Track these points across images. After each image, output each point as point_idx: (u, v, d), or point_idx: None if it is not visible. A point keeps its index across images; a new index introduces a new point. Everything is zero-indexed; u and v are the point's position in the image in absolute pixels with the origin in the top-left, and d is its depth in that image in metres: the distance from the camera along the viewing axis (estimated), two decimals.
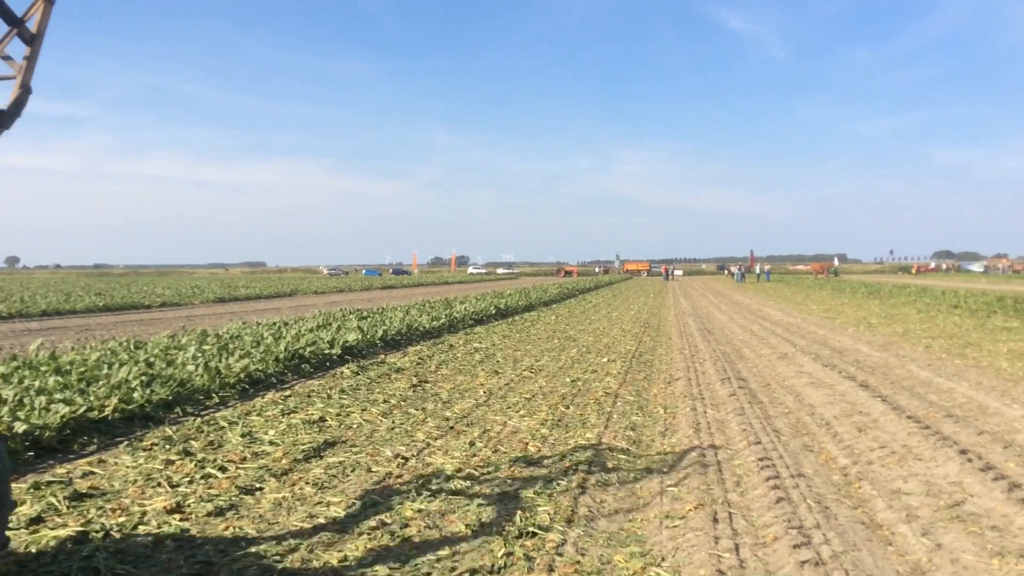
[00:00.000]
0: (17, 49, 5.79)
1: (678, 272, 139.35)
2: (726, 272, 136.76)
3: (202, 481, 7.76)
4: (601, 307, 39.04)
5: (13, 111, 5.69)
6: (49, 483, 7.55)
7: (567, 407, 11.95)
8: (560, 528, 6.55)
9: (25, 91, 5.75)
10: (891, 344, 20.25)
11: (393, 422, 10.71)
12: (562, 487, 7.71)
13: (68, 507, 6.87)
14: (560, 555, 6.00)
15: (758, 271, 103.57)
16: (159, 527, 6.38)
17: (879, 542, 6.42)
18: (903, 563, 5.98)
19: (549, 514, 6.87)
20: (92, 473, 7.99)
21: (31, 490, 7.31)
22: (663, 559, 5.99)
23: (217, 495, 7.29)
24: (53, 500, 7.01)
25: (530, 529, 6.46)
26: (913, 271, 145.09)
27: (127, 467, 8.19)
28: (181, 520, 6.58)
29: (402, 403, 12.11)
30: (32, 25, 5.85)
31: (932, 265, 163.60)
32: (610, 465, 8.60)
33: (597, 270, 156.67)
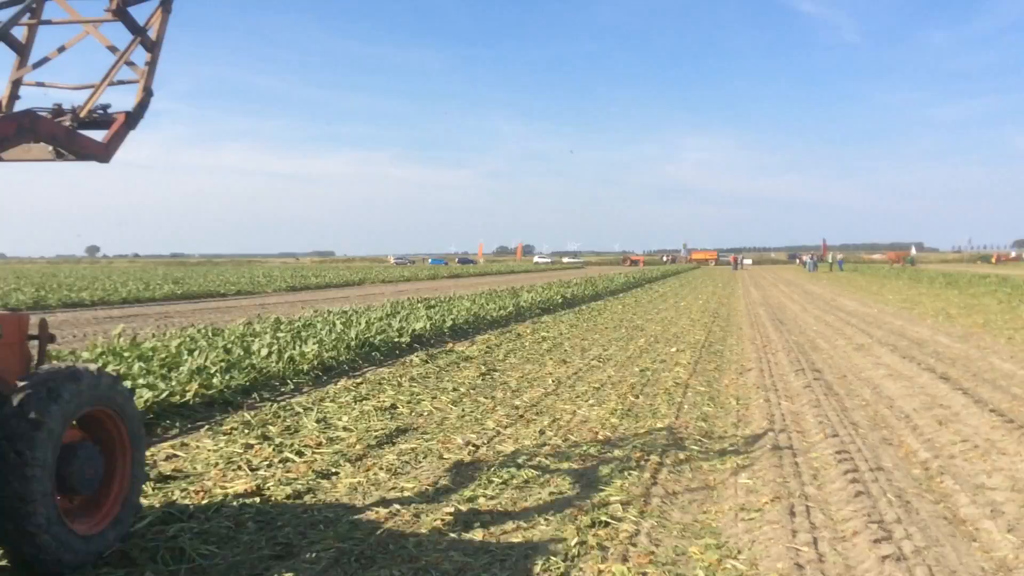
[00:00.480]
0: (136, 55, 6.31)
1: (747, 261, 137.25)
2: (797, 261, 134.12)
3: (280, 465, 7.94)
4: (668, 296, 38.71)
5: (138, 112, 6.27)
6: None
7: (636, 397, 11.88)
8: (633, 518, 6.52)
9: (148, 93, 6.33)
10: (971, 335, 19.64)
11: (463, 410, 10.79)
12: (634, 477, 7.67)
13: (153, 488, 7.09)
14: (634, 545, 5.98)
15: (830, 260, 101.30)
16: (240, 509, 6.55)
17: (963, 538, 6.24)
18: (988, 560, 5.81)
19: (622, 504, 6.84)
20: (175, 456, 8.23)
21: None
22: (739, 552, 5.92)
23: (295, 479, 7.45)
24: None
25: (603, 519, 6.45)
26: (993, 260, 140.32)
27: (208, 450, 8.42)
28: (261, 502, 6.74)
29: (471, 391, 12.19)
30: (152, 33, 6.37)
31: (1013, 254, 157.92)
32: (682, 456, 8.53)
33: (664, 259, 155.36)
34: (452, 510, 6.61)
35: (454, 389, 12.29)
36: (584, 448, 8.77)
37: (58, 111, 6.00)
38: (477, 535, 6.07)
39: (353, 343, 15.25)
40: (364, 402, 11.09)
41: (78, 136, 5.99)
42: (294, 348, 14.13)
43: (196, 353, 12.88)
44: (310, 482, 7.36)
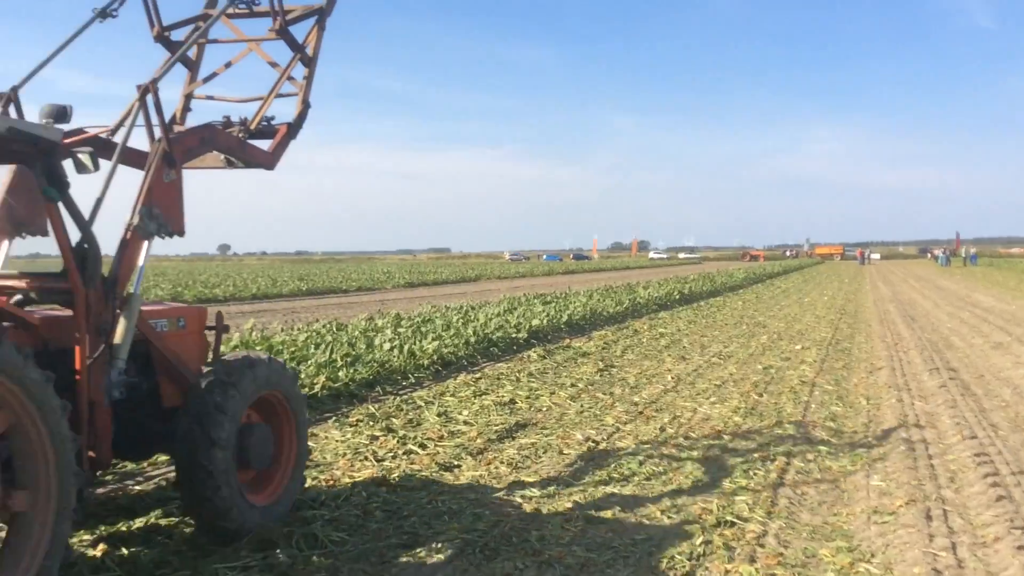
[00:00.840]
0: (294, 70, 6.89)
1: (875, 256, 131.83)
2: (928, 256, 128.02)
3: (404, 456, 8.12)
4: (791, 292, 37.62)
5: (298, 123, 6.84)
6: None
7: (760, 395, 11.60)
8: (760, 519, 6.37)
9: (306, 106, 6.88)
10: None
11: (582, 406, 10.78)
12: (760, 477, 7.50)
13: None
14: (761, 546, 5.84)
15: (963, 254, 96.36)
16: (368, 498, 6.73)
17: None
18: None
19: (748, 504, 6.70)
20: None
21: None
22: (872, 555, 5.70)
23: (419, 470, 7.60)
24: None
25: (728, 519, 6.33)
26: None
27: (336, 441, 8.69)
28: (388, 492, 6.91)
29: (589, 387, 12.16)
30: (309, 50, 6.90)
31: None
32: (810, 456, 8.28)
33: (788, 253, 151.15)
34: (573, 505, 6.62)
35: (572, 385, 12.29)
36: (707, 446, 8.62)
37: (227, 123, 6.62)
38: (600, 531, 6.05)
39: (471, 339, 15.46)
40: (483, 397, 11.22)
41: (248, 146, 6.62)
42: (415, 343, 14.42)
43: (322, 347, 13.31)
44: (433, 474, 7.50)
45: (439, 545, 5.75)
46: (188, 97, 7.05)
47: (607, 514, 6.43)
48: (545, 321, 19.12)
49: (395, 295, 37.62)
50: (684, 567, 5.43)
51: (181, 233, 5.78)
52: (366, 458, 8.02)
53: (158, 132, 5.59)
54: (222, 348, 6.47)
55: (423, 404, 10.64)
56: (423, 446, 8.53)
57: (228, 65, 6.96)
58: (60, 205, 5.01)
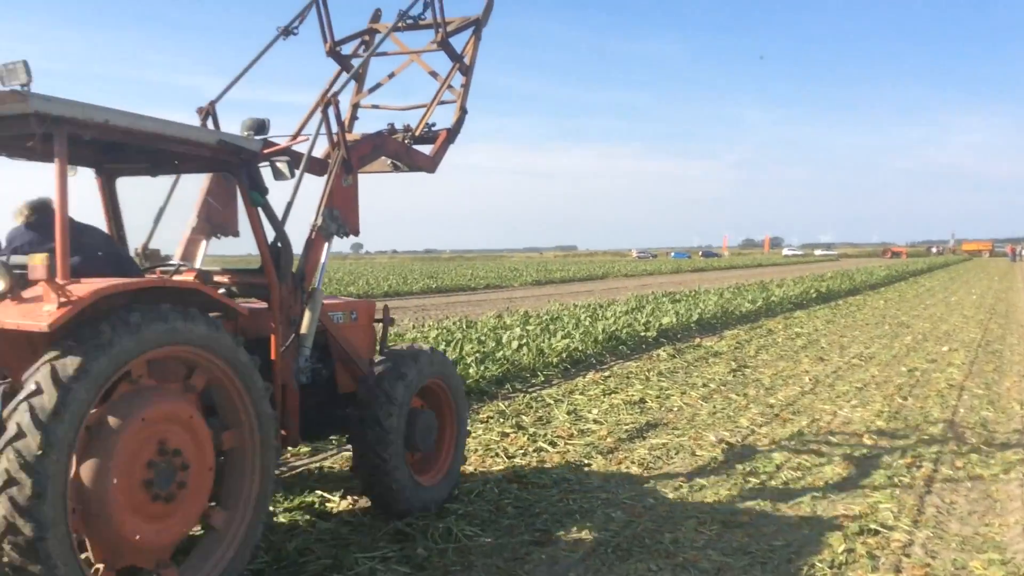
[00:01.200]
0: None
1: None
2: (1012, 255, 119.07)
3: (535, 454, 8.17)
4: (936, 291, 35.78)
5: (456, 128, 7.35)
6: None
7: (904, 398, 11.08)
8: (905, 527, 6.09)
9: (464, 112, 7.37)
10: None
11: (714, 406, 10.57)
12: (905, 484, 7.17)
13: None
14: (907, 556, 5.59)
15: None
16: (500, 494, 6.80)
17: None
18: None
19: (892, 512, 6.42)
20: None
21: None
22: None
23: (550, 468, 7.63)
24: None
25: (872, 526, 6.08)
26: None
27: (468, 437, 8.80)
28: (519, 489, 6.97)
29: (722, 387, 11.92)
30: (467, 59, 7.41)
31: None
32: (959, 463, 7.86)
33: (933, 250, 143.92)
34: (708, 508, 6.50)
35: (704, 385, 12.07)
36: (848, 451, 8.30)
37: (392, 130, 7.12)
38: (736, 535, 5.92)
39: (600, 337, 15.40)
40: (613, 395, 11.16)
41: (413, 151, 7.15)
42: (543, 341, 14.49)
43: (452, 344, 13.54)
44: (565, 473, 7.51)
45: (571, 543, 5.76)
46: (355, 107, 7.58)
47: (743, 518, 6.28)
48: (675, 320, 18.85)
49: (522, 293, 37.90)
50: (825, 575, 5.26)
51: (356, 232, 6.38)
52: (497, 455, 8.12)
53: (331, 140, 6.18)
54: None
55: (552, 402, 10.67)
56: (553, 444, 8.55)
57: (391, 76, 7.50)
58: (259, 209, 5.51)
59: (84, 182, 5.76)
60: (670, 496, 6.84)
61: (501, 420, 9.57)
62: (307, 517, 6.22)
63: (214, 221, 6.29)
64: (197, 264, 6.10)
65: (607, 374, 12.91)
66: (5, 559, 3.90)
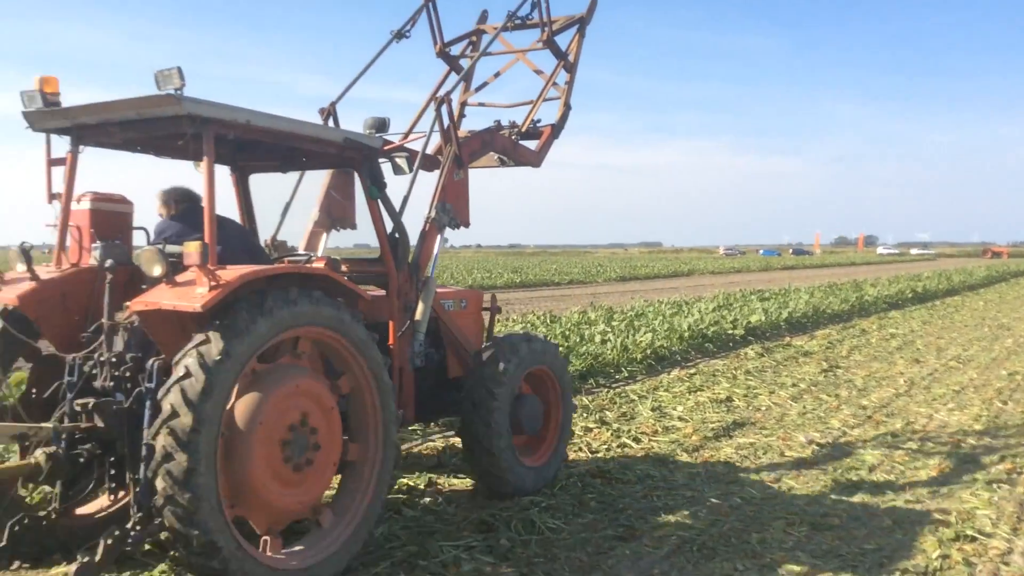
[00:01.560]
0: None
1: None
2: None
3: (618, 449, 8.13)
4: None
5: (561, 124, 7.63)
6: None
7: (1004, 402, 10.64)
8: (1004, 535, 5.86)
9: (568, 108, 7.63)
10: None
11: (804, 407, 10.34)
12: (1004, 491, 6.89)
13: None
14: (1006, 564, 5.38)
15: None
16: (583, 488, 6.80)
17: None
18: None
19: (990, 519, 6.18)
20: None
21: None
22: None
23: (633, 464, 7.58)
24: None
25: (968, 532, 5.87)
26: None
27: None
28: (603, 484, 6.95)
29: (812, 387, 11.65)
30: (571, 57, 7.66)
31: None
32: None
33: None
34: (796, 509, 6.36)
35: (793, 384, 11.81)
36: (944, 455, 8.02)
37: (498, 127, 7.37)
38: (826, 537, 5.78)
39: (686, 334, 15.22)
40: (698, 393, 11.02)
41: (519, 147, 7.46)
42: (627, 337, 14.39)
43: None
44: (648, 469, 7.46)
45: (656, 540, 5.71)
46: (463, 104, 7.91)
47: (834, 520, 6.12)
48: (763, 318, 18.49)
49: (606, 289, 37.72)
50: None
51: (467, 224, 6.72)
52: (580, 449, 8.11)
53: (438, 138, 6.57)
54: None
55: (636, 398, 10.60)
56: (637, 440, 8.50)
57: (497, 75, 7.86)
58: (379, 202, 5.95)
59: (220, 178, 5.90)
60: (757, 496, 6.72)
61: (585, 415, 9.54)
62: (393, 505, 6.33)
63: (334, 215, 6.73)
64: (319, 254, 6.46)
65: (692, 371, 12.76)
66: (166, 526, 4.33)
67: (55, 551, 5.20)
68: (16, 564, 5.07)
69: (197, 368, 4.30)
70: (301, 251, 6.55)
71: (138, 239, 5.72)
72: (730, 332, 16.44)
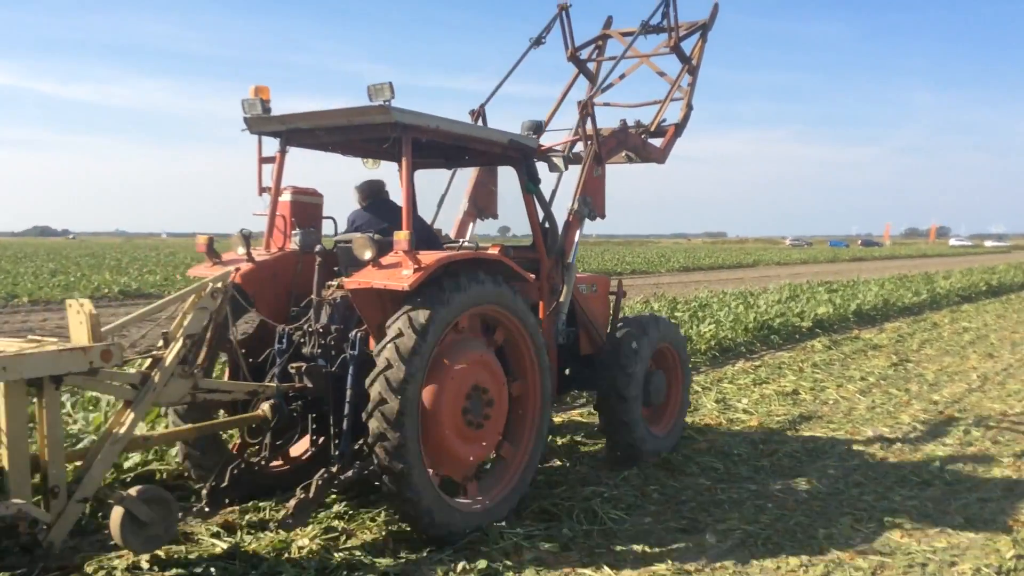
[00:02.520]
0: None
1: None
2: None
3: (682, 441, 8.03)
4: None
5: (683, 123, 8.27)
6: None
7: None
8: None
9: (690, 108, 8.27)
10: None
11: (872, 401, 10.14)
12: None
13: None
14: None
15: None
16: (645, 480, 6.78)
17: None
18: None
19: None
20: (585, 424, 8.71)
21: None
22: None
23: (697, 456, 7.51)
24: None
25: None
26: None
27: None
28: (666, 476, 6.93)
29: (881, 382, 11.41)
30: (694, 61, 8.33)
31: None
32: None
33: None
34: (865, 505, 6.25)
35: (862, 378, 11.58)
36: (1019, 453, 7.80)
37: (624, 126, 7.76)
38: (895, 534, 5.68)
39: (751, 325, 15.01)
40: (763, 385, 10.89)
41: (648, 145, 8.07)
42: (691, 328, 14.26)
43: None
44: (712, 461, 7.40)
45: (720, 533, 5.68)
46: (590, 103, 8.33)
47: (902, 518, 6.01)
48: (831, 310, 18.14)
49: (669, 279, 37.38)
50: None
51: (603, 216, 7.39)
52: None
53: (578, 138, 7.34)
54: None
55: (700, 389, 10.50)
56: (701, 432, 8.43)
57: (623, 77, 8.30)
58: (534, 196, 6.67)
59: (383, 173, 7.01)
60: (824, 491, 6.62)
61: None
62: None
63: (480, 206, 7.73)
64: (466, 240, 7.29)
65: (758, 363, 12.59)
66: (376, 460, 5.13)
67: (261, 493, 6.02)
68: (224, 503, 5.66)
69: (408, 330, 5.14)
70: (453, 238, 7.39)
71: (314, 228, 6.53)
72: (797, 324, 16.17)
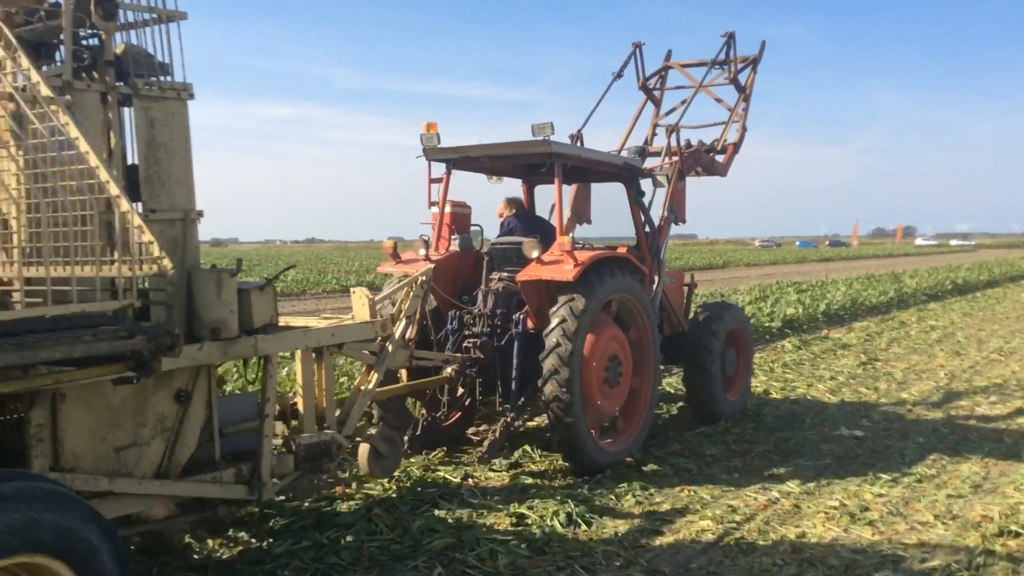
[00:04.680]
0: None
1: None
2: None
3: (656, 442, 8.08)
4: None
5: (740, 142, 9.79)
6: None
7: None
8: None
9: (745, 130, 9.83)
10: None
11: (842, 400, 10.25)
12: None
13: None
14: None
15: None
16: (620, 481, 6.79)
17: None
18: None
19: None
20: None
21: None
22: None
23: (670, 457, 7.55)
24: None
25: (1012, 528, 5.78)
26: None
27: None
28: (640, 477, 6.95)
29: (851, 381, 11.54)
30: (747, 90, 9.87)
31: None
32: None
33: None
34: (836, 504, 6.31)
35: (831, 378, 11.71)
36: (986, 450, 7.91)
37: (687, 145, 9.13)
38: (866, 532, 5.74)
39: None
40: None
41: (715, 161, 9.58)
42: None
43: None
44: (685, 462, 7.43)
45: (694, 534, 5.71)
46: (654, 127, 10.15)
47: (873, 515, 6.08)
48: (800, 310, 18.32)
49: None
50: None
51: (684, 221, 8.96)
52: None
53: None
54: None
55: (672, 391, 10.54)
56: (674, 432, 8.47)
57: (684, 103, 9.67)
58: (639, 206, 8.21)
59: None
60: (796, 490, 6.67)
61: None
62: (429, 498, 6.35)
63: (579, 213, 9.13)
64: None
65: None
66: (550, 416, 6.77)
67: (439, 444, 7.72)
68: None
69: (570, 316, 6.72)
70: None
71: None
72: (766, 325, 16.31)
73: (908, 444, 8.12)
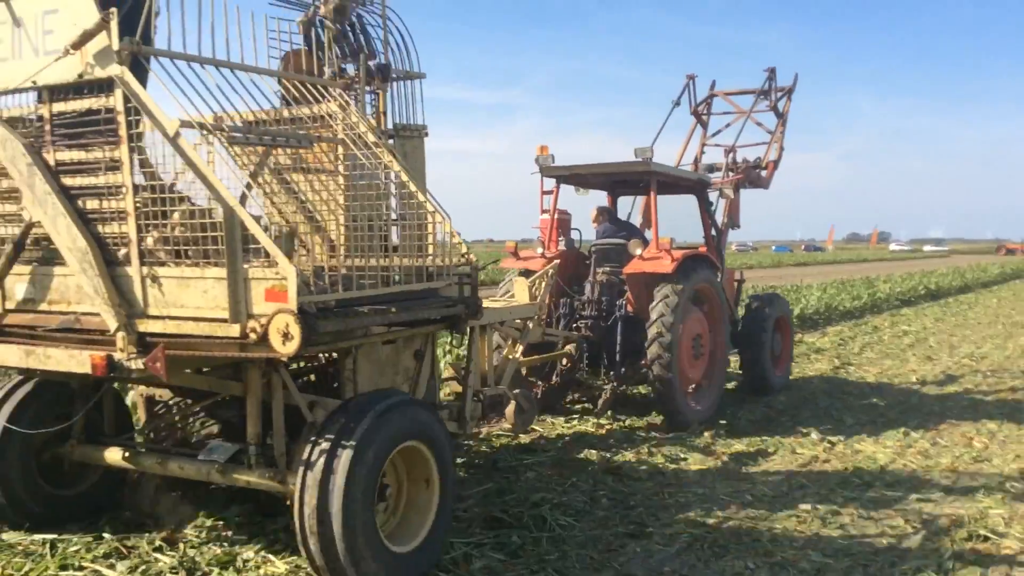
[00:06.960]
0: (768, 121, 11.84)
1: None
2: None
3: (629, 445, 8.10)
4: None
5: (779, 160, 11.45)
6: None
7: (1018, 401, 10.59)
8: (1018, 535, 5.85)
9: (783, 149, 11.56)
10: None
11: (816, 404, 10.32)
12: (1018, 490, 6.88)
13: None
14: (1021, 565, 5.36)
15: None
16: (594, 485, 6.81)
17: None
18: None
19: (1003, 518, 6.17)
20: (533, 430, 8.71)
21: None
22: None
23: (645, 460, 7.58)
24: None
25: (981, 532, 5.86)
26: None
27: (561, 427, 8.83)
28: (614, 481, 6.96)
29: (824, 385, 11.62)
30: (785, 116, 11.59)
31: None
32: None
33: None
34: (808, 507, 6.35)
35: (805, 383, 11.77)
36: (957, 454, 8.00)
37: (744, 162, 11.11)
38: (837, 535, 5.79)
39: None
40: None
41: (759, 175, 11.26)
42: None
43: None
44: (659, 465, 7.46)
45: (667, 537, 5.72)
46: (703, 145, 11.85)
47: (845, 518, 6.13)
48: None
49: None
50: None
51: (739, 226, 10.80)
52: (592, 445, 8.10)
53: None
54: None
55: (646, 392, 10.56)
56: (648, 437, 8.50)
57: (728, 125, 11.82)
58: (709, 215, 10.12)
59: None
60: (769, 493, 6.71)
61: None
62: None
63: (646, 219, 9.89)
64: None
65: None
66: (652, 374, 8.47)
67: (548, 408, 9.16)
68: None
69: (672, 294, 8.40)
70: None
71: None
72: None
73: (879, 448, 8.19)
